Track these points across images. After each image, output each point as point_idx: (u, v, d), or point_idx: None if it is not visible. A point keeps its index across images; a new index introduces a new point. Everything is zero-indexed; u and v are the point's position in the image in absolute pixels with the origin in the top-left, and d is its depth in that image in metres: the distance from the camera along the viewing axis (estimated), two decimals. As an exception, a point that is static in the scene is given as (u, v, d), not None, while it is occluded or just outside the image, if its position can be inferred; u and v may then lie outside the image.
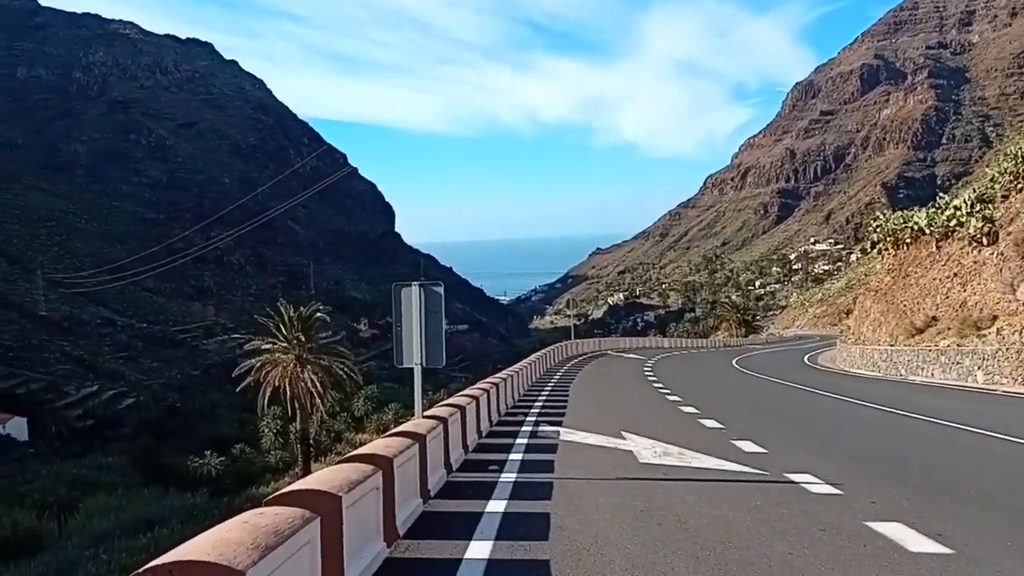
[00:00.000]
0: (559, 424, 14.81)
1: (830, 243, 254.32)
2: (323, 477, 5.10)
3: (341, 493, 4.74)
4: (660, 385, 25.75)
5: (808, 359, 47.46)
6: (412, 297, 8.83)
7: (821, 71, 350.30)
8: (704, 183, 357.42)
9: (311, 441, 47.92)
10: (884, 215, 46.09)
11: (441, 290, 9.02)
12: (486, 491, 8.31)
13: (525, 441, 12.62)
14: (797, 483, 8.47)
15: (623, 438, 12.51)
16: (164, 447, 58.87)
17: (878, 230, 44.44)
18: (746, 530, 6.46)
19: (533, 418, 16.14)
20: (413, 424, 8.33)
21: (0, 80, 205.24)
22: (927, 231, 37.96)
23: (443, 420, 9.27)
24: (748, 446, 11.38)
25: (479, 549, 5.97)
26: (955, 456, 10.80)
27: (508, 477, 9.28)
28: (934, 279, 35.16)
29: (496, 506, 7.55)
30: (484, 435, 13.27)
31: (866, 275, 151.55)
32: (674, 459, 10.35)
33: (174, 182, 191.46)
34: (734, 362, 43.75)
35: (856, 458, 10.52)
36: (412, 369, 9.16)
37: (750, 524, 6.66)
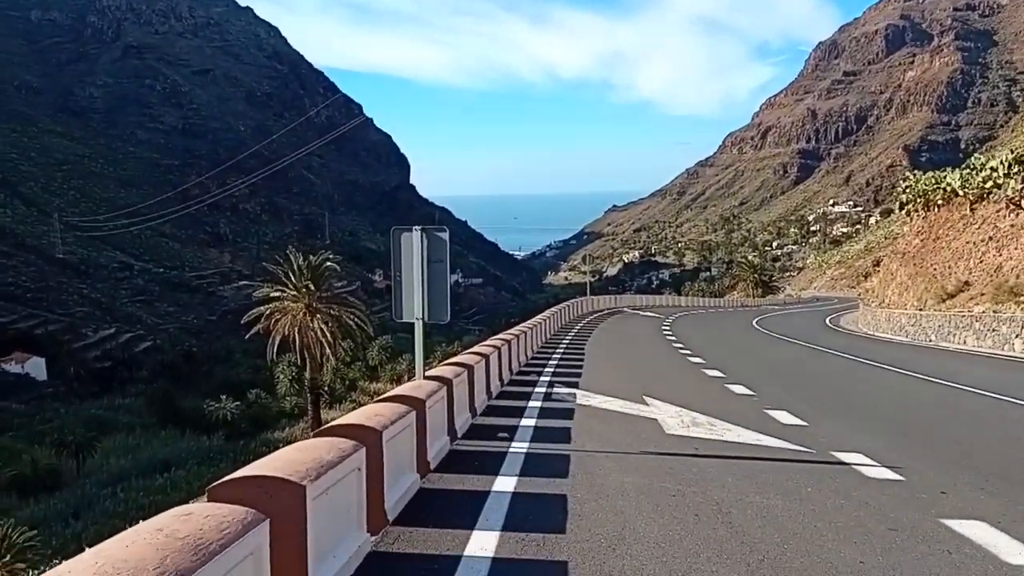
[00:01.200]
0: (575, 386, 13.76)
1: (849, 205, 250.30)
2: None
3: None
4: (680, 345, 24.60)
5: (830, 321, 46.14)
6: (413, 243, 7.75)
7: (845, 31, 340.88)
8: (723, 142, 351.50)
9: (326, 389, 47.68)
10: (914, 176, 44.27)
11: (446, 236, 7.92)
12: (494, 464, 7.31)
13: (539, 404, 11.58)
14: (849, 464, 7.40)
15: (646, 403, 11.46)
16: (180, 390, 59.14)
17: (907, 191, 42.70)
18: (802, 527, 5.41)
19: (547, 378, 15.07)
20: (412, 386, 7.29)
21: (15, 23, 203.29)
22: (960, 193, 36.29)
23: (447, 382, 8.23)
24: (784, 417, 10.31)
25: (481, 543, 4.96)
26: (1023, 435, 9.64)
27: (519, 447, 8.26)
28: (967, 243, 33.65)
29: (504, 484, 6.54)
30: (495, 396, 12.26)
31: (886, 238, 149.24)
32: (704, 431, 9.30)
33: (189, 129, 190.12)
34: (754, 322, 42.55)
35: (908, 436, 9.36)
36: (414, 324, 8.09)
37: (806, 519, 5.60)
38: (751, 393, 12.94)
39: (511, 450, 8.06)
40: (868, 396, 13.54)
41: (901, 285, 38.50)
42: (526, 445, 8.43)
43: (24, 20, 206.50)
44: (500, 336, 16.25)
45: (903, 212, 43.56)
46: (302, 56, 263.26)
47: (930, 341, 28.02)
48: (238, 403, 47.92)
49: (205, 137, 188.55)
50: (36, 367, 67.75)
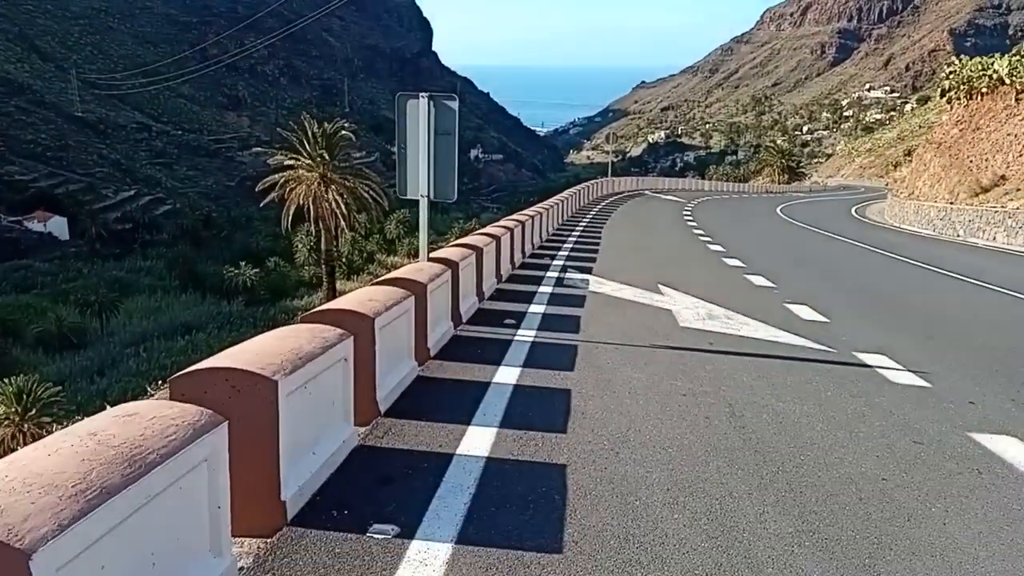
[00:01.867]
0: (588, 271, 13.29)
1: (886, 91, 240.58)
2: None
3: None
4: (700, 232, 23.91)
5: (856, 211, 45.03)
6: (419, 112, 7.09)
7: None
8: (761, 17, 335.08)
9: (344, 261, 47.85)
10: (960, 60, 41.77)
11: (456, 105, 7.23)
12: (497, 353, 6.98)
13: (549, 290, 11.15)
14: (872, 367, 7.01)
15: (661, 293, 11.01)
16: (200, 255, 59.68)
17: (951, 76, 40.44)
18: (820, 437, 5.06)
19: (560, 262, 14.61)
20: (414, 269, 6.90)
21: None
22: (1007, 81, 34.28)
23: (452, 265, 7.82)
24: (805, 312, 9.85)
25: (476, 440, 4.66)
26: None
27: (525, 335, 7.90)
28: (1009, 135, 32.08)
29: (506, 375, 6.22)
30: (505, 279, 11.86)
31: (920, 127, 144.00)
32: (720, 324, 8.87)
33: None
34: (778, 210, 41.60)
35: (935, 338, 8.92)
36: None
37: (824, 427, 5.26)
38: (772, 285, 12.45)
39: (517, 338, 7.73)
40: (893, 293, 13.10)
41: (934, 176, 37.15)
42: (533, 333, 8.04)
43: None
44: (514, 217, 15.72)
45: (944, 99, 41.44)
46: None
47: (958, 236, 27.21)
48: (257, 270, 48.24)
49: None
50: (58, 226, 68.37)
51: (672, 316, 9.35)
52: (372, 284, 6.13)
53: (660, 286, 11.56)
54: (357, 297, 5.25)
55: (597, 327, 8.57)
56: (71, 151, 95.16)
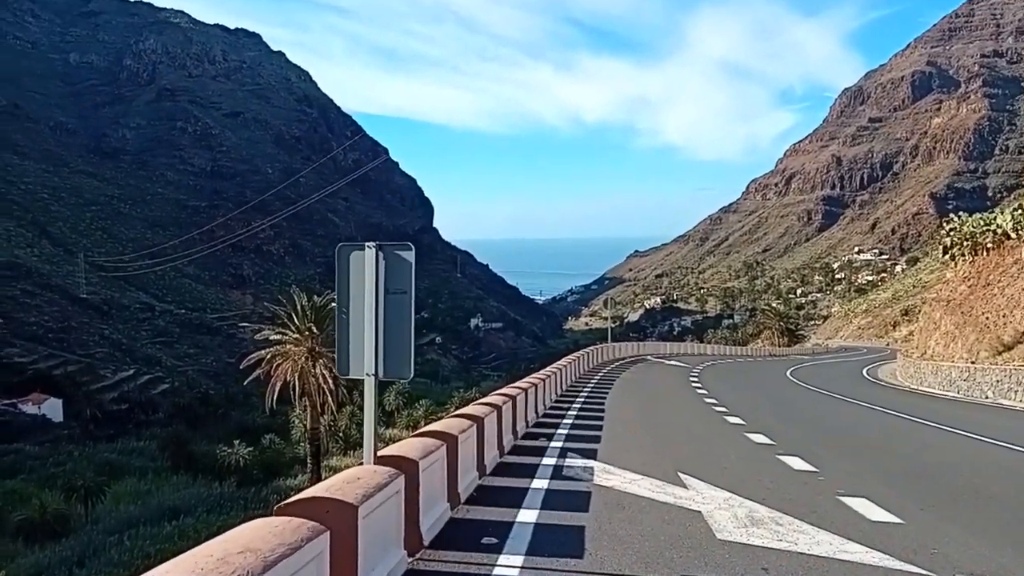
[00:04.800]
0: (592, 455, 11.52)
1: (875, 253, 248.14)
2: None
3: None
4: (713, 401, 22.46)
5: (868, 373, 44.10)
6: (365, 267, 5.75)
7: (871, 77, 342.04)
8: (747, 188, 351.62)
9: (340, 435, 46.20)
10: (959, 218, 42.46)
11: (411, 257, 5.84)
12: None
13: (544, 485, 9.20)
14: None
15: (684, 485, 9.25)
16: (195, 434, 58.34)
17: (952, 233, 40.91)
18: None
19: (559, 442, 12.86)
20: (345, 478, 4.88)
21: (53, 65, 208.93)
22: (1013, 235, 34.53)
23: (411, 465, 5.90)
24: (866, 507, 8.11)
25: None
26: None
27: (508, 566, 5.93)
28: (1023, 289, 31.80)
29: None
30: (489, 470, 9.90)
31: (914, 286, 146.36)
32: (769, 533, 7.03)
33: (218, 171, 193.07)
34: (788, 373, 40.67)
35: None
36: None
37: None
38: (812, 469, 10.77)
39: (497, 571, 5.88)
40: (958, 473, 11.36)
41: (947, 335, 36.55)
42: (519, 561, 6.02)
43: (62, 62, 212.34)
44: (501, 392, 13.73)
45: (946, 256, 41.69)
46: (331, 100, 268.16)
47: (987, 398, 26.10)
48: (251, 448, 46.82)
49: (233, 179, 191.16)
50: (53, 408, 67.48)
51: (705, 522, 7.50)
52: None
53: (681, 475, 9.88)
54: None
55: (607, 545, 6.62)
56: (73, 332, 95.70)
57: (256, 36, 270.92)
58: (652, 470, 10.18)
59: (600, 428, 15.39)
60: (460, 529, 6.93)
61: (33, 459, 52.98)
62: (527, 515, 7.56)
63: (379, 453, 5.92)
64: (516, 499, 8.25)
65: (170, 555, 2.91)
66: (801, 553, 6.40)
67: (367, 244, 5.75)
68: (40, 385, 69.85)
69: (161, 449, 54.08)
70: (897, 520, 7.63)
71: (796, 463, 11.21)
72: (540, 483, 9.32)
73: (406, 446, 6.38)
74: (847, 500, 8.49)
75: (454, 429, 7.68)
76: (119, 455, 54.44)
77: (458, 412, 9.55)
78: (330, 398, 30.98)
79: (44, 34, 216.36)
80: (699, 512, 7.86)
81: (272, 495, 32.75)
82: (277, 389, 30.54)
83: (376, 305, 5.71)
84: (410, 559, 5.81)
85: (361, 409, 51.54)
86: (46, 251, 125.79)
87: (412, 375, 5.93)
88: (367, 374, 5.80)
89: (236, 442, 47.09)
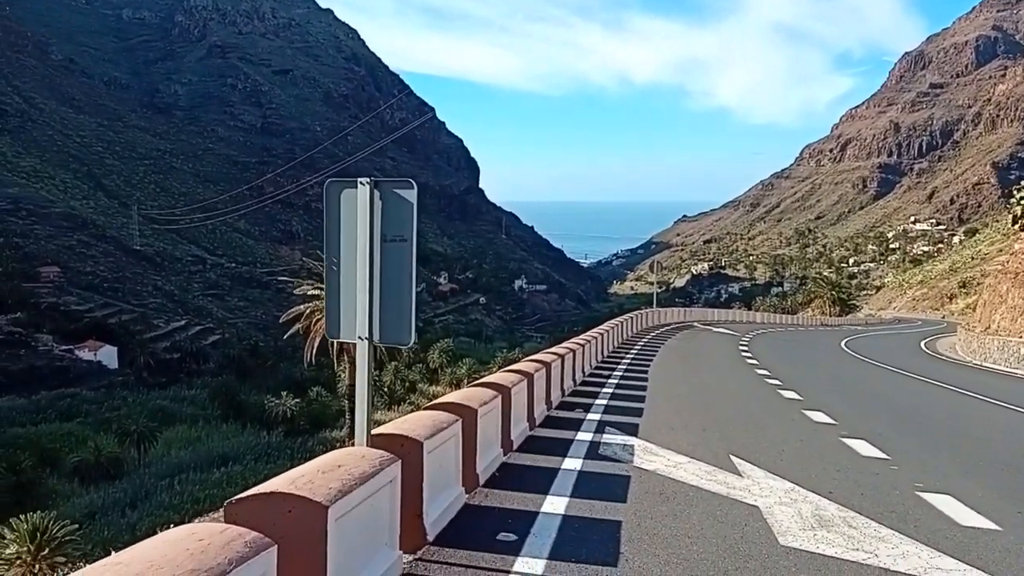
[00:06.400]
0: (633, 431, 10.40)
1: (932, 223, 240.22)
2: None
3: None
4: (765, 372, 21.09)
5: (926, 346, 42.68)
6: (358, 207, 4.77)
7: (933, 41, 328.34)
8: (800, 153, 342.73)
9: (385, 390, 46.61)
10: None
11: (414, 196, 4.82)
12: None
13: (577, 466, 8.13)
14: None
15: (737, 472, 8.15)
16: (244, 384, 59.52)
17: (1023, 201, 39.02)
18: None
19: (597, 415, 11.79)
20: (321, 465, 4.00)
21: (107, 20, 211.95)
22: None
23: (413, 446, 5.04)
24: (957, 510, 6.91)
25: None
26: None
27: (526, 573, 4.97)
28: (1097, 263, 30.25)
29: None
30: (516, 446, 8.87)
31: (973, 258, 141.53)
32: (843, 539, 5.88)
33: (267, 128, 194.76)
34: (843, 344, 39.53)
35: None
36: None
37: None
38: (884, 456, 9.54)
39: None
40: None
41: (1015, 308, 35.05)
42: (540, 568, 5.03)
43: (115, 18, 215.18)
44: (534, 359, 12.59)
45: (1016, 225, 39.85)
46: (379, 59, 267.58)
47: (1058, 374, 24.93)
48: (298, 400, 47.69)
49: (282, 136, 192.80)
50: (108, 355, 69.42)
51: (764, 521, 6.35)
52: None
53: (733, 458, 8.77)
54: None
55: (647, 547, 5.60)
56: (127, 282, 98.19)
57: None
58: (701, 452, 9.20)
59: (643, 400, 14.18)
60: (474, 520, 6.08)
61: (89, 403, 54.69)
62: (554, 504, 6.64)
63: (380, 430, 5.06)
64: (544, 483, 7.34)
65: (220, 500, 2.67)
66: (885, 569, 5.30)
67: (359, 180, 4.75)
68: (96, 333, 71.87)
69: (211, 398, 55.36)
70: (994, 527, 6.46)
71: (863, 448, 10.08)
72: (573, 463, 8.30)
73: (412, 422, 5.55)
74: (929, 497, 7.34)
75: (474, 401, 6.81)
76: (171, 402, 55.86)
77: (483, 380, 8.69)
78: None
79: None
80: (756, 507, 6.78)
81: (318, 446, 33.18)
82: (316, 345, 30.29)
83: (371, 255, 4.75)
84: (408, 559, 5.02)
85: (407, 366, 52.26)
86: (101, 203, 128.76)
87: (412, 341, 4.92)
88: (359, 337, 4.87)
89: (284, 393, 48.03)
